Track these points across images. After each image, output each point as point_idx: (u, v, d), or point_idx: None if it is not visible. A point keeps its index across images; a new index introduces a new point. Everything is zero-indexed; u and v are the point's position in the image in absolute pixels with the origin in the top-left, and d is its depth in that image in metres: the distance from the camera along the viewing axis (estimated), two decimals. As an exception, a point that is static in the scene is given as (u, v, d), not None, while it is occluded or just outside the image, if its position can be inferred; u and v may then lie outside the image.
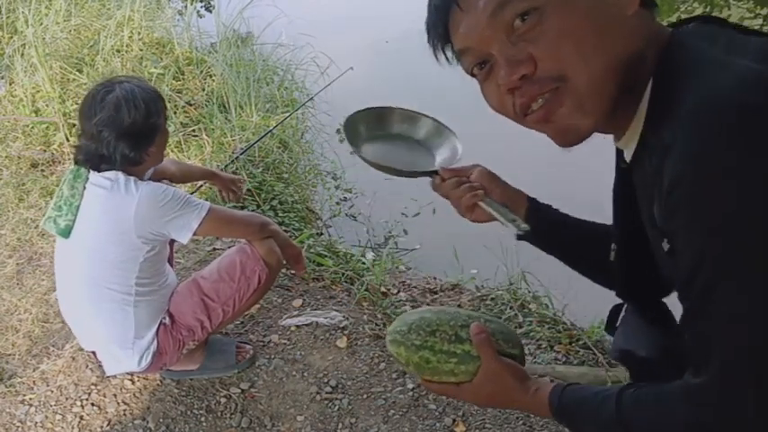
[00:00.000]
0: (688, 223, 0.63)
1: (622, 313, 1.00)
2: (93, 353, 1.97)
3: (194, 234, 1.81)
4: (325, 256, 2.87)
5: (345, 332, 2.38)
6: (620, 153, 0.86)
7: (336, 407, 2.09)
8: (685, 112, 0.63)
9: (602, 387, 0.87)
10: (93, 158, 1.75)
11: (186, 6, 5.51)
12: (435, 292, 2.81)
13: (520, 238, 1.05)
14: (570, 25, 0.68)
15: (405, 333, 0.97)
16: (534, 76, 0.71)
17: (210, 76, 4.28)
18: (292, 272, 2.67)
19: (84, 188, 1.76)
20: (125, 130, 1.72)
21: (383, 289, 2.70)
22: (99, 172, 1.76)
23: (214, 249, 2.86)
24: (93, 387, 2.15)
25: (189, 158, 3.55)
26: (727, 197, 0.59)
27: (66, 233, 1.78)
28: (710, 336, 0.66)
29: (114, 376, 2.11)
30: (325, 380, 2.18)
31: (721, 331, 0.65)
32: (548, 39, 0.69)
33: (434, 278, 2.91)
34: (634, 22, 0.71)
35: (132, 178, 1.76)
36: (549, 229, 1.07)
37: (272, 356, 2.28)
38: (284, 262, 2.13)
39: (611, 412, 0.80)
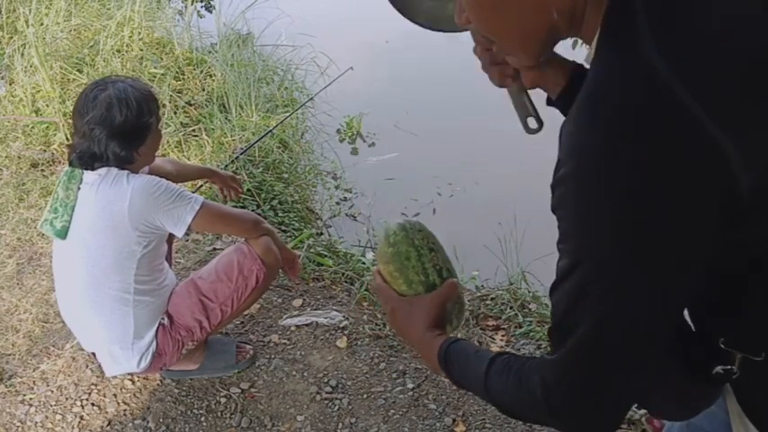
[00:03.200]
0: (556, 212, 0.71)
1: None
2: (94, 354, 1.97)
3: (189, 228, 1.81)
4: (326, 256, 2.87)
5: (345, 332, 2.38)
6: None
7: (336, 407, 2.09)
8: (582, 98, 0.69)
9: (484, 349, 0.91)
10: (85, 157, 1.75)
11: (186, 6, 5.50)
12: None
13: (549, 103, 1.05)
14: (483, 27, 0.79)
15: (414, 230, 1.02)
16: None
17: (210, 76, 4.28)
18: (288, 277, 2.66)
19: (79, 188, 1.77)
20: (116, 128, 1.73)
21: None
22: (93, 170, 1.76)
23: (214, 249, 2.86)
24: (93, 387, 2.15)
25: (189, 158, 3.55)
26: (577, 217, 0.68)
27: (62, 234, 1.78)
28: (560, 320, 0.73)
29: (114, 376, 2.11)
30: (326, 380, 2.18)
31: (570, 318, 0.71)
32: (478, 30, 0.81)
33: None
34: None
35: (125, 172, 1.77)
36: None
37: (272, 356, 2.28)
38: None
39: (480, 374, 0.85)
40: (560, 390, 0.73)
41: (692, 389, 0.82)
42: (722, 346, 0.75)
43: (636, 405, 0.97)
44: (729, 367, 0.75)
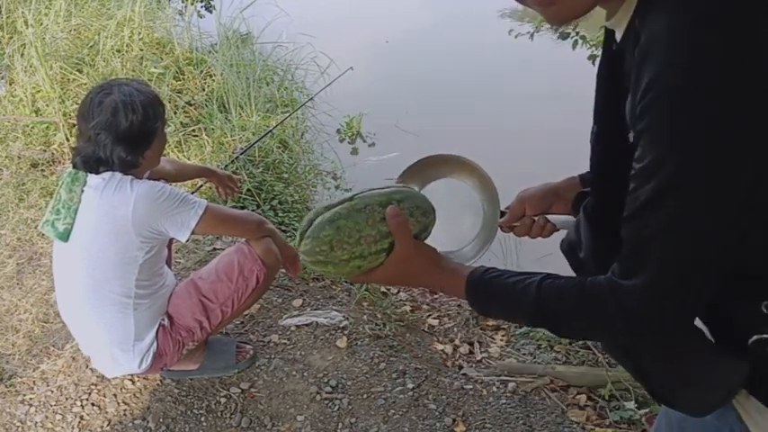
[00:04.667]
0: (654, 130, 0.66)
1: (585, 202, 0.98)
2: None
3: (192, 232, 1.81)
4: (326, 255, 2.87)
5: (345, 332, 2.38)
6: (609, 33, 0.84)
7: (336, 407, 2.09)
8: (672, 15, 0.66)
9: (522, 275, 0.87)
10: (90, 161, 1.75)
11: (186, 6, 5.51)
12: (435, 292, 2.81)
13: None
14: None
15: (328, 252, 0.90)
16: None
17: (210, 76, 4.29)
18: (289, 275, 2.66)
19: (83, 191, 1.76)
20: (122, 133, 1.72)
21: (383, 289, 2.70)
22: (97, 174, 1.76)
23: (214, 249, 2.86)
24: (93, 387, 2.15)
25: (189, 158, 3.55)
26: (697, 117, 0.63)
27: (65, 237, 1.77)
28: (648, 242, 0.70)
29: (115, 377, 2.11)
30: (326, 380, 2.18)
31: (660, 240, 0.69)
32: None
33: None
34: None
35: (129, 177, 1.76)
36: None
37: (272, 356, 2.28)
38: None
39: (530, 300, 0.82)
40: (651, 316, 0.72)
41: (720, 362, 0.78)
42: (765, 310, 0.72)
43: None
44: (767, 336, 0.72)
